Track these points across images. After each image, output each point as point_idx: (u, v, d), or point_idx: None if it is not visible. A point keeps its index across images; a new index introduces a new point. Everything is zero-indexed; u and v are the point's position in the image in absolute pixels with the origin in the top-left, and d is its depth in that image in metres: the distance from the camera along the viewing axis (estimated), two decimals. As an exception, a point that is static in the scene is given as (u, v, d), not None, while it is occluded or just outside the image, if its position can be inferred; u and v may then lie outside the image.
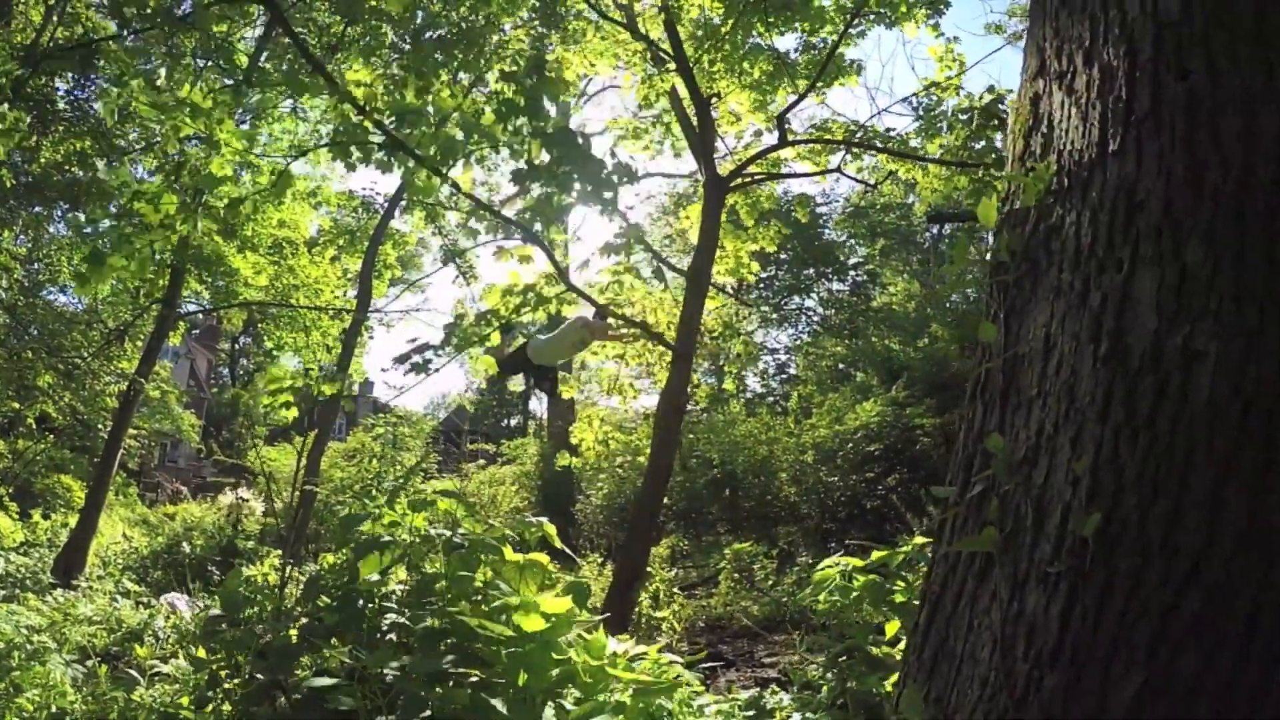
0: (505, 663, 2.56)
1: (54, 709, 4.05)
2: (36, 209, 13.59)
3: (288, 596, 3.46)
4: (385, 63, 9.16)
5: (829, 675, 3.75)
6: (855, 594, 3.52)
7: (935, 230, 24.68)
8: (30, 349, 13.13)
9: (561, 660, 2.64)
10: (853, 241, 26.87)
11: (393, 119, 4.84)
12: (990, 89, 7.62)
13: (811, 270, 26.53)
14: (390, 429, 17.75)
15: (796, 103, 8.09)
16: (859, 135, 8.56)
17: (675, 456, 8.93)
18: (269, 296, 14.37)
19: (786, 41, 29.52)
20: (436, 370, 6.88)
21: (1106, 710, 1.30)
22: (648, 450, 7.84)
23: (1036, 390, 1.57)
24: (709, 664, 6.91)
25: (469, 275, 16.27)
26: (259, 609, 3.30)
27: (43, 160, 12.34)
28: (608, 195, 4.85)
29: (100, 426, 14.24)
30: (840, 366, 18.18)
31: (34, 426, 14.50)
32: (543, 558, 3.07)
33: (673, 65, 7.83)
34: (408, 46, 9.42)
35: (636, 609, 7.98)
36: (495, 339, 7.50)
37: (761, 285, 25.58)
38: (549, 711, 2.53)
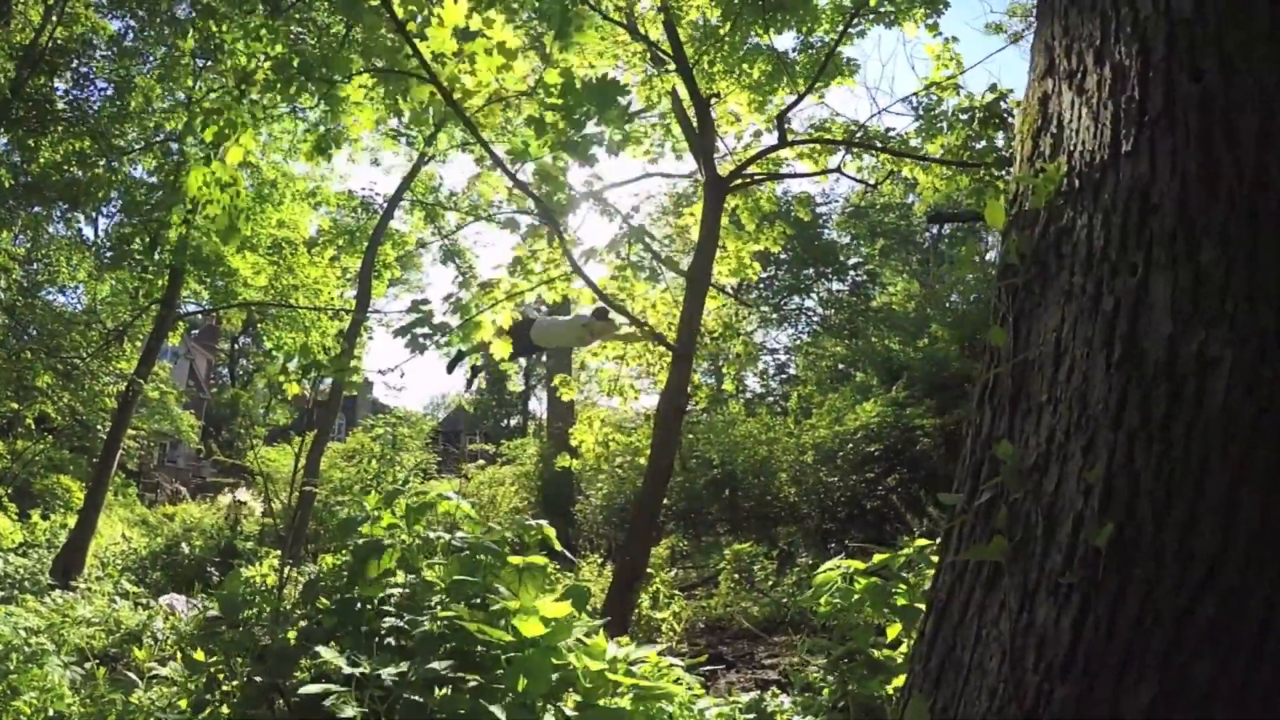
0: (505, 668, 2.54)
1: (52, 712, 4.03)
2: (36, 209, 13.59)
3: (286, 598, 3.44)
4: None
5: (830, 678, 3.74)
6: (856, 596, 3.50)
7: (935, 230, 24.69)
8: (29, 349, 13.12)
9: (561, 665, 2.62)
10: (853, 241, 26.87)
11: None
12: (992, 88, 7.59)
13: (811, 270, 26.54)
14: (390, 429, 17.75)
15: (796, 103, 8.08)
16: (859, 135, 8.54)
17: (675, 457, 8.92)
18: (268, 297, 14.35)
19: (785, 41, 29.55)
20: (437, 345, 6.90)
21: (1119, 720, 1.27)
22: (647, 451, 7.82)
23: (1047, 396, 1.55)
24: (709, 666, 6.90)
25: (469, 276, 16.22)
26: (257, 611, 3.28)
27: (42, 160, 12.32)
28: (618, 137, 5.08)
29: (99, 427, 14.22)
30: (840, 367, 18.17)
31: (33, 427, 14.48)
32: (542, 560, 3.04)
33: (672, 66, 7.81)
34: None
35: (636, 610, 7.97)
36: (507, 320, 7.60)
37: (761, 285, 25.60)
38: (549, 717, 2.51)
